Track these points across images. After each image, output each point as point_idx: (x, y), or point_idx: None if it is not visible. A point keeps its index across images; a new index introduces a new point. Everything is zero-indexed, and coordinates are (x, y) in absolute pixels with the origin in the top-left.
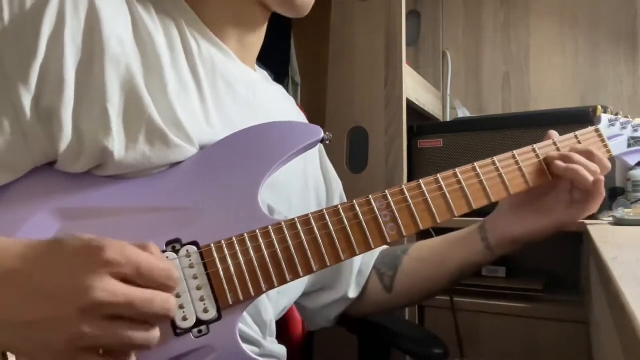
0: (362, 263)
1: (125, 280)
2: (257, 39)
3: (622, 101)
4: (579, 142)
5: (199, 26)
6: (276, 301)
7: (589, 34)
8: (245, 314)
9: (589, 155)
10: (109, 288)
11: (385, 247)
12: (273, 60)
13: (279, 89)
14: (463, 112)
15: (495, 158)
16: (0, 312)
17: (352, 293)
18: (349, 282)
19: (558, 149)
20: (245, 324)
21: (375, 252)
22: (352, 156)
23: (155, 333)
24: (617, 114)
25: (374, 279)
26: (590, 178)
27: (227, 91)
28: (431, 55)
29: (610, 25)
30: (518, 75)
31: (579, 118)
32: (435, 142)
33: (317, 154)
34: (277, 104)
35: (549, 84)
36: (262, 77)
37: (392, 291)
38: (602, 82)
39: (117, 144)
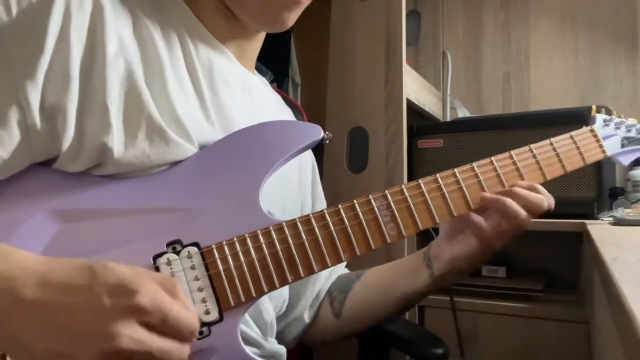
0: (321, 287)
1: (150, 327)
2: (254, 45)
3: (622, 101)
4: (575, 143)
5: (198, 28)
6: (278, 296)
7: (589, 34)
8: (246, 314)
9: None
10: (134, 336)
11: (344, 271)
12: (273, 60)
13: (277, 97)
14: (463, 112)
15: (493, 158)
16: (22, 337)
17: (307, 316)
18: (307, 305)
19: (555, 149)
20: (246, 324)
21: (333, 276)
22: (352, 156)
23: None
24: (610, 114)
25: (325, 303)
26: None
27: (225, 90)
28: (431, 55)
29: (610, 25)
30: (518, 75)
31: (578, 118)
32: (435, 142)
33: (310, 167)
34: (274, 110)
35: (549, 84)
36: (260, 82)
37: (340, 317)
38: (602, 82)
39: (116, 141)
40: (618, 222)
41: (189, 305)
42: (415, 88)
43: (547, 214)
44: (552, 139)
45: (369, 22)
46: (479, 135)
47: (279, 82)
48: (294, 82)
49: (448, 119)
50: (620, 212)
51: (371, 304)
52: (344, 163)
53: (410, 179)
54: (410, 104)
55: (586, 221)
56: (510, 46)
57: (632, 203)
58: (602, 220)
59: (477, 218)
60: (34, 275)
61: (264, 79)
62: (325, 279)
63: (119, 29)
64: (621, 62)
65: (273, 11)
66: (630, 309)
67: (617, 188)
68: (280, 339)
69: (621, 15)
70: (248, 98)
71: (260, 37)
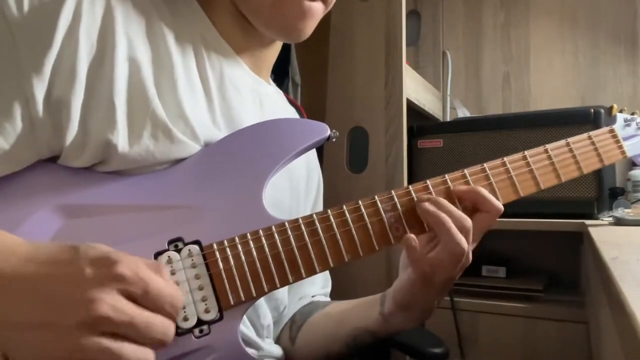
0: (289, 308)
1: (132, 298)
2: (270, 55)
3: (622, 101)
4: (593, 143)
5: (213, 35)
6: (274, 306)
7: (589, 34)
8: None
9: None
10: (114, 304)
11: (320, 296)
12: None
13: (289, 108)
14: (463, 112)
15: (506, 159)
16: (4, 312)
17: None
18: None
19: (571, 150)
20: (243, 324)
21: (304, 300)
22: (352, 156)
23: (150, 355)
24: (633, 114)
25: (286, 326)
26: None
27: (235, 96)
28: (431, 55)
29: (610, 25)
30: (518, 75)
31: (579, 118)
32: (435, 142)
33: (316, 179)
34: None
35: (549, 84)
36: (273, 92)
37: (294, 343)
38: (602, 82)
39: (121, 137)
40: (618, 222)
41: (174, 284)
42: (415, 88)
43: (547, 214)
44: (568, 139)
45: (369, 22)
46: (479, 135)
47: (279, 82)
48: (294, 82)
49: (448, 119)
50: (620, 212)
51: (322, 334)
52: (344, 163)
53: (410, 179)
54: (410, 104)
55: (586, 221)
56: (510, 46)
57: (632, 203)
58: (602, 220)
59: (411, 239)
60: (18, 253)
61: (278, 89)
62: (295, 302)
63: (130, 29)
64: (621, 62)
65: (287, 21)
66: (630, 309)
67: (617, 188)
68: None
69: (621, 15)
70: (258, 107)
71: (277, 46)
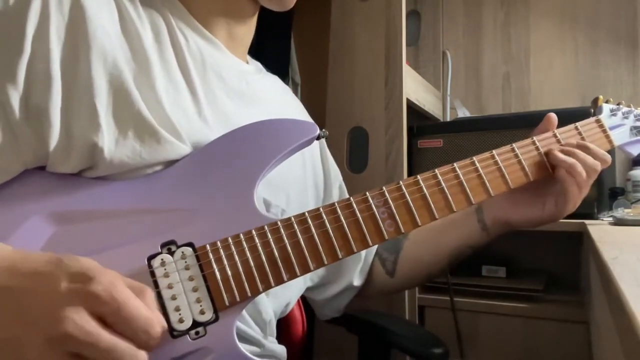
0: (367, 251)
1: (102, 319)
2: (247, 31)
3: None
4: (580, 134)
5: (187, 18)
6: (281, 296)
7: (589, 34)
8: (245, 314)
9: (585, 150)
10: (81, 323)
11: None
12: (273, 60)
13: (274, 80)
14: (463, 112)
15: (494, 151)
16: None
17: (357, 281)
18: (354, 272)
19: (558, 141)
20: (246, 323)
21: None
22: (352, 156)
23: None
24: (618, 104)
25: (377, 265)
26: (583, 173)
27: (218, 84)
28: (431, 55)
29: (610, 25)
30: (518, 75)
31: (579, 118)
32: (435, 142)
33: (317, 143)
34: (274, 96)
35: (549, 84)
36: (255, 69)
37: (394, 275)
38: (602, 82)
39: (106, 140)
40: (618, 222)
41: (155, 310)
42: (415, 88)
43: None
44: (555, 130)
45: (369, 22)
46: (479, 135)
47: None
48: (294, 82)
49: (448, 119)
50: (620, 212)
51: (423, 261)
52: (344, 163)
53: None
54: (410, 104)
55: (586, 221)
56: (510, 46)
57: (632, 203)
58: (602, 220)
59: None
60: (2, 263)
61: (258, 64)
62: None
63: (103, 24)
64: (621, 62)
65: None
66: (630, 309)
67: (617, 188)
68: (330, 309)
69: (621, 15)
70: (245, 88)
71: (252, 23)
